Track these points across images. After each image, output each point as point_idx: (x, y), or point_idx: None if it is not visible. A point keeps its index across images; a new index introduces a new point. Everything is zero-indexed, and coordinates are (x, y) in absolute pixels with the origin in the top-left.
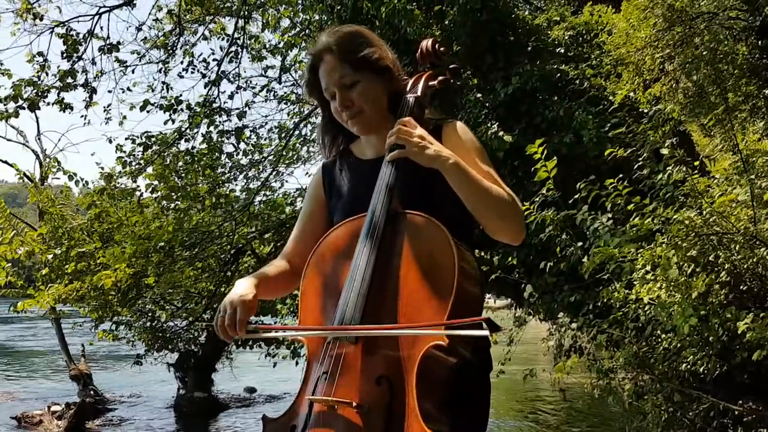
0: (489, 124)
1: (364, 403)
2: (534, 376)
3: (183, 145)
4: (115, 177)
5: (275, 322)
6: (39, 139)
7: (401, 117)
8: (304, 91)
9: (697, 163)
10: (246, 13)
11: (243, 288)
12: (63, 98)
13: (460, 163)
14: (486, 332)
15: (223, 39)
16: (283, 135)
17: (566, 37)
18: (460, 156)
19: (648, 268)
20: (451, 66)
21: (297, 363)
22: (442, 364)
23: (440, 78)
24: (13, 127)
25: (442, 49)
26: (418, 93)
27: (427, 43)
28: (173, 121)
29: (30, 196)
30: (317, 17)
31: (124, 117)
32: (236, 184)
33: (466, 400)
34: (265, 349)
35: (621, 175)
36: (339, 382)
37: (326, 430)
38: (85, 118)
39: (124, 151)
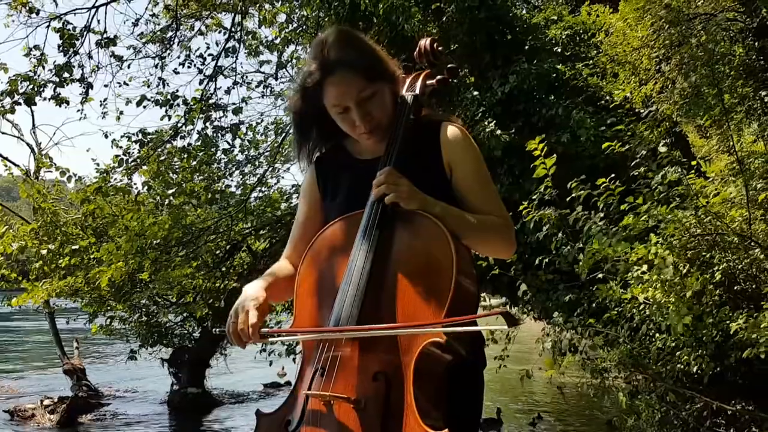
0: (486, 123)
1: (360, 398)
2: (530, 377)
3: (179, 143)
4: (110, 172)
5: (270, 320)
6: (34, 132)
7: (401, 117)
8: (291, 94)
9: (694, 162)
10: (243, 9)
11: (253, 291)
12: (59, 93)
13: (446, 210)
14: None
15: (219, 32)
16: (279, 131)
17: (564, 36)
18: (457, 172)
19: (644, 268)
20: (449, 66)
21: (294, 360)
22: (439, 361)
23: (438, 77)
24: (8, 120)
25: (440, 48)
26: (417, 91)
27: (425, 42)
28: (169, 117)
29: (20, 192)
30: (314, 14)
31: (121, 112)
32: (232, 180)
33: (460, 395)
34: (260, 345)
35: (613, 175)
36: (336, 378)
37: (321, 428)
38: (81, 113)
39: (121, 147)
